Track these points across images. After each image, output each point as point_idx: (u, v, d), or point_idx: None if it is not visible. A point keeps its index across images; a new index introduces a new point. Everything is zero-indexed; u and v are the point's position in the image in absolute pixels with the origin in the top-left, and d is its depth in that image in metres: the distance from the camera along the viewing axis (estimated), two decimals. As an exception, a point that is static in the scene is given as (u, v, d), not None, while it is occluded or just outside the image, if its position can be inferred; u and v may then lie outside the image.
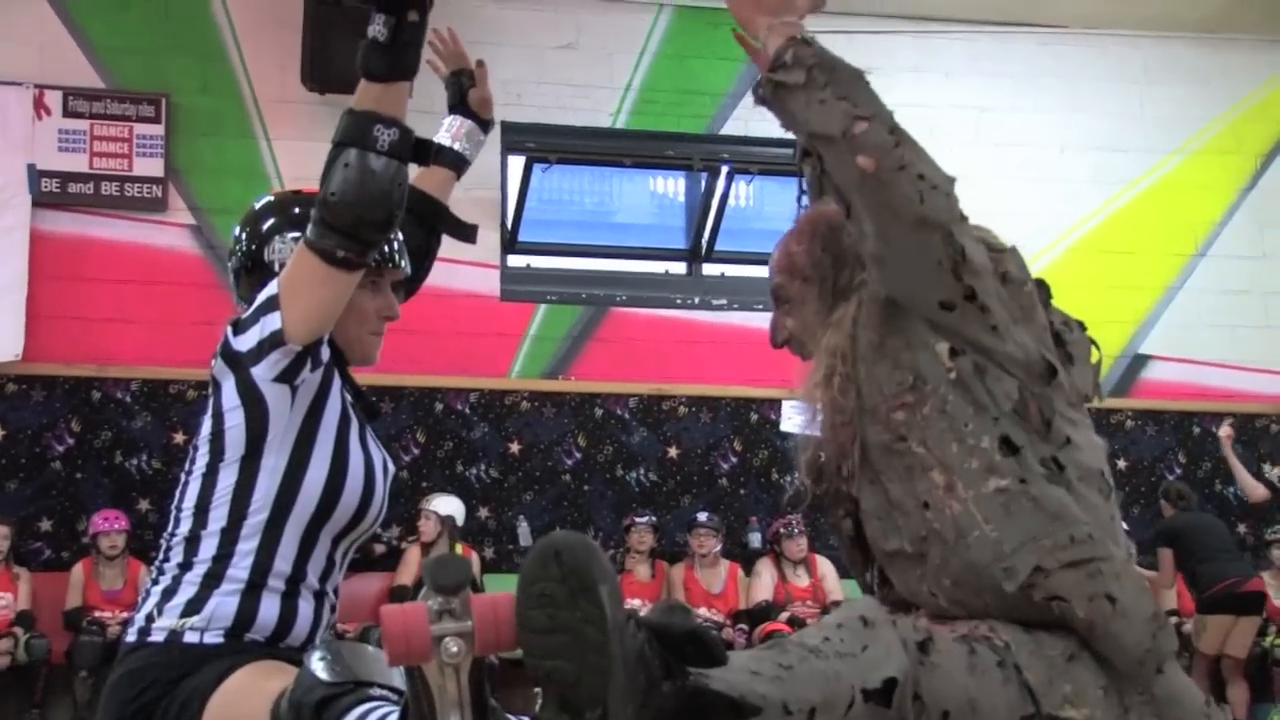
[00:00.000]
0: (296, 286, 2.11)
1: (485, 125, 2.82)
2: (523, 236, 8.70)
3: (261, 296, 2.16)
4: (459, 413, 8.50)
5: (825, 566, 8.32)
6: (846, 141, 1.94)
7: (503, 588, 1.72)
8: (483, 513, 8.43)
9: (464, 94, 2.81)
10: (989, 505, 1.94)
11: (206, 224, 8.25)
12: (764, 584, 8.21)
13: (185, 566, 2.17)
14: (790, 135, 2.52)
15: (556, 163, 8.50)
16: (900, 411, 2.02)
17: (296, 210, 2.32)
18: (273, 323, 2.11)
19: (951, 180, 1.99)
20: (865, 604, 1.93)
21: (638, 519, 8.29)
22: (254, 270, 2.30)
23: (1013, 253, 2.11)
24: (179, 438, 7.94)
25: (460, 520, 7.90)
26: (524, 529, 8.39)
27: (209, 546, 2.17)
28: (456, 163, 2.76)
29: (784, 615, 7.99)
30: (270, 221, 2.33)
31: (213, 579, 2.14)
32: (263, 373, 2.14)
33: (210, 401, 2.22)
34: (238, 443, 2.17)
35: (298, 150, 8.26)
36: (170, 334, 8.01)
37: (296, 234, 2.25)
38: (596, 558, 1.58)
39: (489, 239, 8.42)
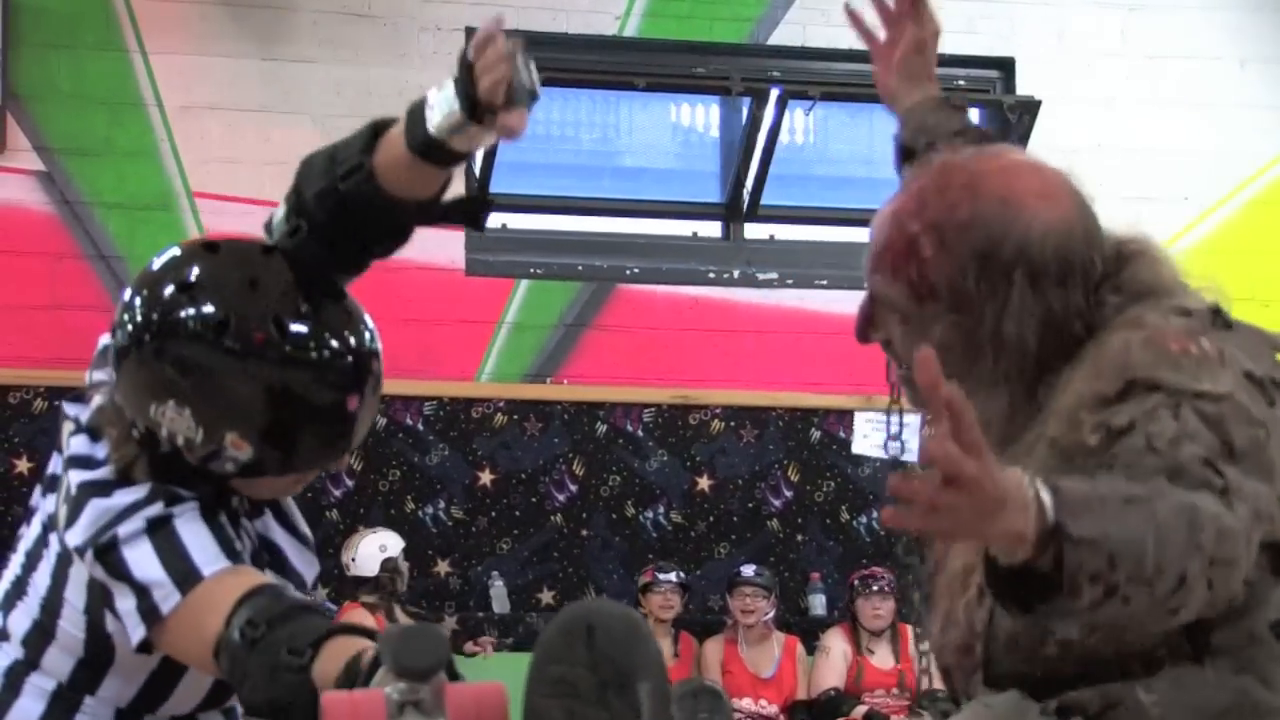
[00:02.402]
0: (185, 650, 2.18)
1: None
2: (496, 186, 8.69)
3: (139, 556, 2.16)
4: (409, 429, 8.51)
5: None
6: (1156, 620, 1.83)
7: (476, 675, 1.72)
8: (442, 566, 8.45)
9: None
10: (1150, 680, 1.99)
11: (60, 171, 8.25)
12: (833, 664, 8.21)
13: (10, 683, 2.30)
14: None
15: (542, 85, 8.46)
16: (1053, 646, 1.99)
17: (201, 312, 2.18)
18: (135, 624, 2.15)
19: (1244, 522, 1.82)
20: (1007, 706, 1.93)
21: (660, 575, 8.32)
22: (142, 362, 2.19)
23: (1231, 406, 1.91)
24: (22, 465, 7.96)
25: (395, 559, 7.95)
26: (499, 589, 8.39)
27: (45, 681, 2.29)
28: (450, 160, 2.30)
29: (860, 709, 8.00)
30: (174, 314, 2.19)
31: (65, 706, 2.28)
32: (115, 626, 2.20)
33: (52, 530, 2.27)
34: (74, 645, 2.26)
35: (186, 69, 8.26)
36: (10, 321, 8.04)
37: (189, 407, 2.17)
38: (642, 641, 1.59)
39: (450, 190, 8.35)
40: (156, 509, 2.14)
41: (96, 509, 2.15)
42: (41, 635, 2.25)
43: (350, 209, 2.19)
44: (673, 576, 8.28)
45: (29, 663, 2.26)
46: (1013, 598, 1.75)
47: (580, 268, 8.80)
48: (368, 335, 2.24)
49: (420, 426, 8.52)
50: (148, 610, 2.10)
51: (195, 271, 2.19)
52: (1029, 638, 2.01)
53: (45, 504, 2.29)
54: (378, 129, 2.18)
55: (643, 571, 8.39)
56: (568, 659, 1.60)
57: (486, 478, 8.56)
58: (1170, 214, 8.56)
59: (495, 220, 8.81)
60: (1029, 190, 2.02)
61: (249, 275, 2.17)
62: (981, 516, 1.64)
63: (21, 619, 2.27)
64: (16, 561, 2.32)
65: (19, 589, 2.29)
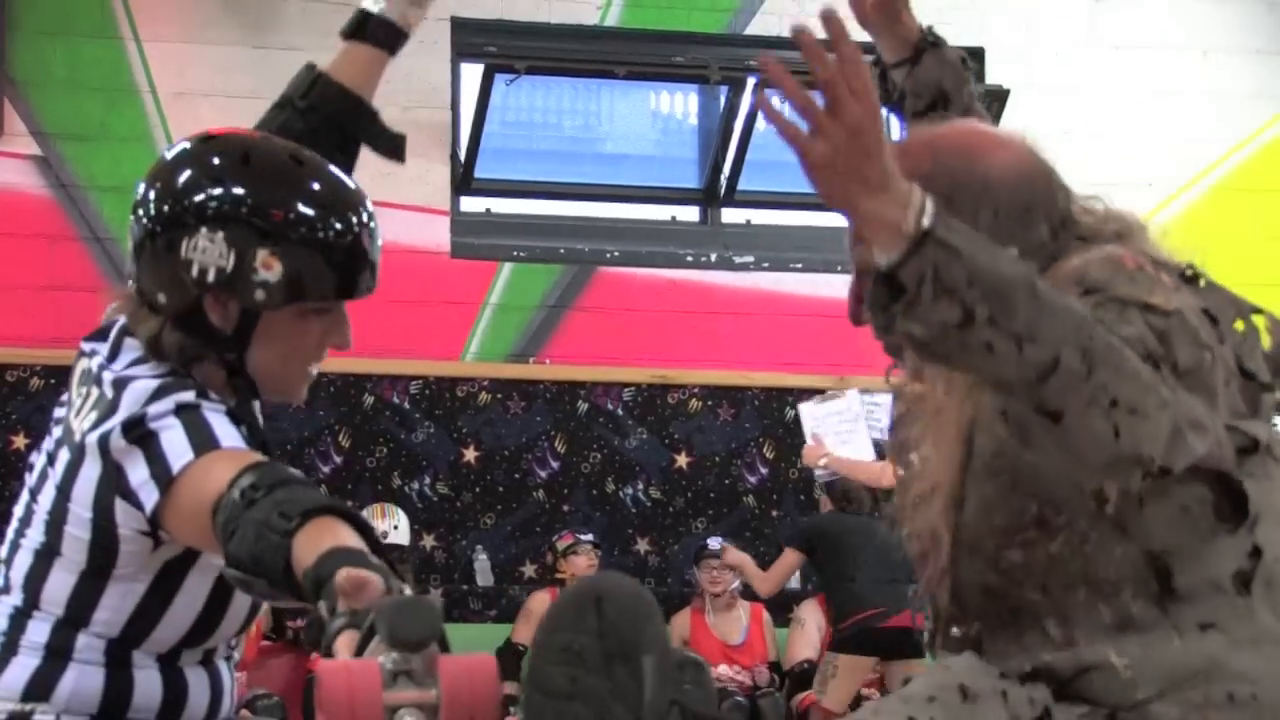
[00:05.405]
0: (192, 514, 2.13)
1: None
2: (480, 172, 8.67)
3: (165, 429, 2.14)
4: (396, 408, 8.50)
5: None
6: (1028, 393, 1.78)
7: (461, 646, 1.70)
8: (428, 540, 8.45)
9: None
10: (1121, 643, 1.98)
11: (56, 154, 8.23)
12: (808, 636, 8.22)
13: (9, 641, 2.25)
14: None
15: (526, 73, 8.48)
16: (1016, 551, 2.02)
17: (216, 161, 2.27)
18: (150, 491, 2.12)
19: (1166, 391, 1.83)
20: (965, 667, 1.94)
21: (581, 536, 8.25)
22: (162, 249, 2.23)
23: (1179, 321, 1.94)
24: (19, 442, 7.95)
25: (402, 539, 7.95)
26: (483, 563, 8.40)
27: (40, 631, 2.24)
28: (386, 37, 2.78)
29: (831, 679, 8.02)
30: (187, 174, 2.26)
31: (58, 654, 2.22)
32: (123, 516, 2.18)
33: (57, 457, 2.24)
34: (78, 554, 2.21)
35: (179, 56, 8.24)
36: (8, 302, 8.02)
37: (223, 229, 2.21)
38: (649, 616, 1.60)
39: (436, 175, 8.40)
40: (188, 396, 2.15)
41: (134, 392, 2.16)
42: (44, 561, 2.23)
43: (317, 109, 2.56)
44: (589, 538, 8.24)
45: (29, 605, 2.24)
46: (879, 300, 1.78)
47: (562, 251, 8.79)
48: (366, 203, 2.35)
49: (406, 405, 8.52)
50: (161, 473, 2.10)
51: (212, 160, 2.27)
52: (990, 544, 2.03)
53: (46, 443, 2.29)
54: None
55: (560, 536, 8.34)
56: (576, 627, 1.61)
57: (471, 455, 8.56)
58: (1134, 200, 8.42)
59: (480, 205, 8.81)
60: (987, 142, 2.11)
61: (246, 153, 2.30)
62: (857, 168, 1.71)
63: (23, 560, 2.25)
64: (16, 516, 2.30)
65: (19, 533, 2.28)
